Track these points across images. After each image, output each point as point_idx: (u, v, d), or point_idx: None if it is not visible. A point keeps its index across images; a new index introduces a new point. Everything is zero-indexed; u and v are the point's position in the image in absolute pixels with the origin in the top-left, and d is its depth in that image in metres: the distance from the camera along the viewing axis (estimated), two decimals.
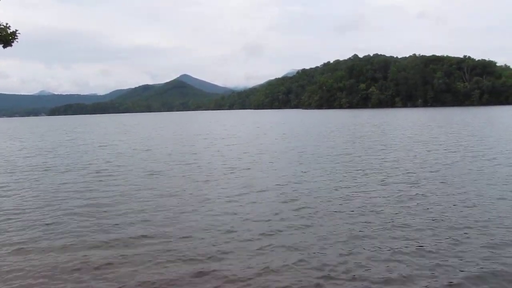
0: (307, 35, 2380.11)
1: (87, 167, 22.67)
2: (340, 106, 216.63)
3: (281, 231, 10.36)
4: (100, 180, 18.52)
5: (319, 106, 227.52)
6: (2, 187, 17.74)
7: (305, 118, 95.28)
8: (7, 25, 7.91)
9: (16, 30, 8.00)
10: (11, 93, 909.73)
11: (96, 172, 20.74)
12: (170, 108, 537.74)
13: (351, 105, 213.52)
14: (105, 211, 12.85)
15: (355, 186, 15.80)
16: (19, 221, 12.10)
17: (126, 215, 12.34)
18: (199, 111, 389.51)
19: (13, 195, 15.99)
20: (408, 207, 12.30)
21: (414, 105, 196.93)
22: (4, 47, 8.04)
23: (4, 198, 15.50)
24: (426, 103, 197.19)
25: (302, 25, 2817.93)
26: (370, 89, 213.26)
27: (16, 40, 8.06)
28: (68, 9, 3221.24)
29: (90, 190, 16.34)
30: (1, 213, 13.07)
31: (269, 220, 11.31)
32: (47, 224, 11.64)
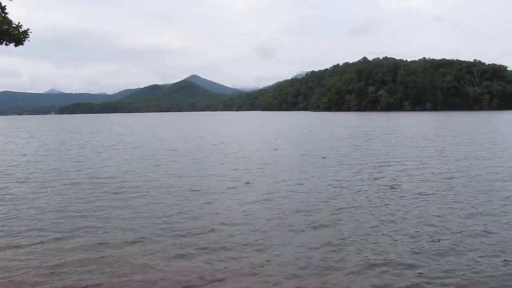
0: (318, 38, 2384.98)
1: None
2: (349, 109, 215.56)
3: None
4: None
5: (328, 109, 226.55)
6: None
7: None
8: (19, 24, 8.05)
9: (28, 29, 8.13)
10: (21, 91, 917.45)
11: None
12: (179, 109, 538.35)
13: (359, 108, 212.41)
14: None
15: None
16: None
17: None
18: (209, 112, 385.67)
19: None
20: None
21: (423, 109, 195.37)
22: (16, 45, 8.17)
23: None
24: (435, 107, 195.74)
25: (314, 28, 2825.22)
26: (379, 92, 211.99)
27: (28, 38, 8.17)
28: (80, 8, 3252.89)
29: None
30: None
31: None
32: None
